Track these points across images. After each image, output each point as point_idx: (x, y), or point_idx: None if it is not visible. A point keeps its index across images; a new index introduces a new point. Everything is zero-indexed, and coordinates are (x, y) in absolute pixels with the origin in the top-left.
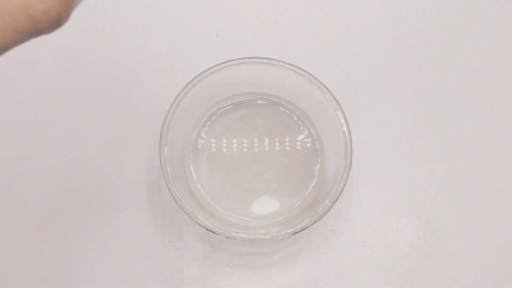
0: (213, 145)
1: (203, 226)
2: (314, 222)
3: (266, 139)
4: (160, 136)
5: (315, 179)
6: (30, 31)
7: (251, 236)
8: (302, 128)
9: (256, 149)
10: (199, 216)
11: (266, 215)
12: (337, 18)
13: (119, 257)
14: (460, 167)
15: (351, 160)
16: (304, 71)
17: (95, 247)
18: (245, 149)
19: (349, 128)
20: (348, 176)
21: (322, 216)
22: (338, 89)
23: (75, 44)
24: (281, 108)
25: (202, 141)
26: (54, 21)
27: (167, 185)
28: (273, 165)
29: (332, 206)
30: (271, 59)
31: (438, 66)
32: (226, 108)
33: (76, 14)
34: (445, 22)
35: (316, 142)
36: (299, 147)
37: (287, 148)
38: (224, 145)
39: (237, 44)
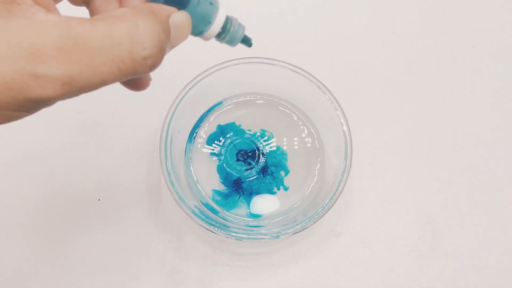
0: (213, 145)
1: (203, 226)
2: (314, 222)
3: (266, 139)
4: (160, 136)
5: (315, 179)
6: (130, 72)
7: (251, 236)
8: (302, 128)
9: (255, 149)
10: (199, 216)
11: (266, 215)
12: (337, 18)
13: (119, 257)
14: (460, 167)
15: (351, 160)
16: (304, 71)
17: (95, 247)
18: (245, 149)
19: (349, 128)
20: (348, 176)
21: (322, 216)
22: (338, 89)
23: None
24: (281, 108)
25: (202, 141)
26: (149, 67)
27: (167, 185)
28: (273, 165)
29: (332, 206)
30: (271, 59)
31: (438, 66)
32: (226, 108)
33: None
34: (445, 22)
35: (316, 142)
36: (298, 147)
37: (287, 148)
38: (224, 145)
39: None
